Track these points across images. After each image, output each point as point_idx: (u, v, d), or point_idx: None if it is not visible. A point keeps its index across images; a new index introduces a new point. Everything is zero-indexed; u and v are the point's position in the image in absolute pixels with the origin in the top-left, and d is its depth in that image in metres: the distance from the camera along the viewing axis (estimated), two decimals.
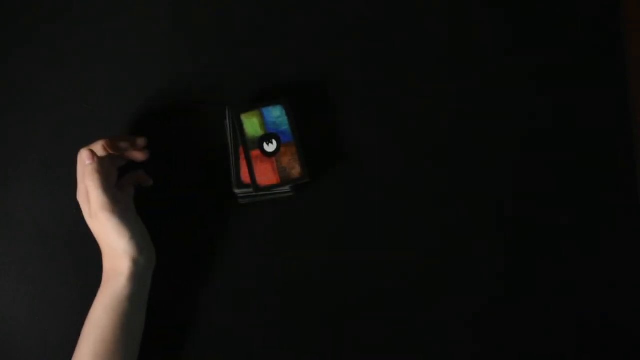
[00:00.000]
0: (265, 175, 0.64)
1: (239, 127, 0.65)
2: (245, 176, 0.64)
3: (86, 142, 0.68)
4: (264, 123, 0.65)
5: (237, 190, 0.65)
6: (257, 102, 0.66)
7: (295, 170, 0.64)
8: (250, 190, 0.64)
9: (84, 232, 0.66)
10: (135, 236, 0.59)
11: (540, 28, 0.73)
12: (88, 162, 0.59)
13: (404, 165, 0.70)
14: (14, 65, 0.70)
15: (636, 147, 0.71)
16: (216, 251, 0.68)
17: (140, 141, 0.65)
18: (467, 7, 0.73)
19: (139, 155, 0.65)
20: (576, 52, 0.72)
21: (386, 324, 0.68)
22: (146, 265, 0.61)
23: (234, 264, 0.68)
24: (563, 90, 0.72)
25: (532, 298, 0.69)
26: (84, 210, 0.61)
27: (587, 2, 0.73)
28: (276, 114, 0.66)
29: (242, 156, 0.65)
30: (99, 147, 0.61)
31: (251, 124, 0.65)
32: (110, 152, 0.62)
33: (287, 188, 0.66)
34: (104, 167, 0.59)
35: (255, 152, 0.65)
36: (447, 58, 0.72)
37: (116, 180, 0.65)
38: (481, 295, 0.68)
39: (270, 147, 0.65)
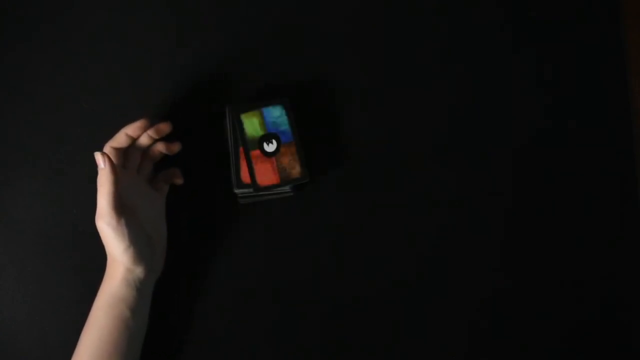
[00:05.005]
0: (265, 175, 0.64)
1: (239, 127, 0.65)
2: (245, 176, 0.64)
3: (86, 142, 0.69)
4: (264, 123, 0.65)
5: (237, 190, 0.65)
6: (257, 102, 0.66)
7: (295, 170, 0.64)
8: (250, 190, 0.64)
9: (84, 232, 0.67)
10: (133, 247, 0.58)
11: (540, 28, 0.73)
12: (101, 166, 0.57)
13: (404, 165, 0.70)
14: (14, 66, 0.70)
15: (636, 147, 0.71)
16: (216, 251, 0.68)
17: (164, 127, 0.64)
18: (467, 6, 0.73)
19: (171, 148, 0.65)
20: (576, 52, 0.72)
21: (386, 323, 0.68)
22: (144, 275, 0.60)
23: (234, 264, 0.68)
24: (563, 90, 0.72)
25: (532, 298, 0.69)
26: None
27: (587, 2, 0.73)
28: (276, 113, 0.66)
29: (242, 156, 0.65)
30: (119, 141, 0.61)
31: (251, 124, 0.65)
32: (133, 140, 0.61)
33: (287, 188, 0.66)
34: (115, 173, 0.57)
35: (255, 152, 0.65)
36: (448, 58, 0.72)
37: (148, 175, 0.64)
38: (481, 295, 0.68)
39: (270, 147, 0.65)
